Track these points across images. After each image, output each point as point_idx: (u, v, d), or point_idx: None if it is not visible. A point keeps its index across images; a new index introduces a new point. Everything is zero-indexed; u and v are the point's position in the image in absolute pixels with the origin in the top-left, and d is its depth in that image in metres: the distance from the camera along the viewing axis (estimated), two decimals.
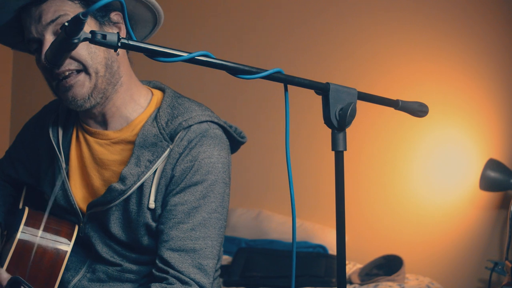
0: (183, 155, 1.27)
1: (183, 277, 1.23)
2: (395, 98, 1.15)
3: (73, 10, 1.21)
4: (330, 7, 3.19)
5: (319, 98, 1.03)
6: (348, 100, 1.02)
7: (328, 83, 1.01)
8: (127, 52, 1.35)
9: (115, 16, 1.28)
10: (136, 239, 1.32)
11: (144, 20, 1.35)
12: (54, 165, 1.38)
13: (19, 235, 1.28)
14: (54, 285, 1.29)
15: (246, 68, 0.96)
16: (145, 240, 1.31)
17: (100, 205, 1.31)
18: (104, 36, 0.86)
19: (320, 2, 3.23)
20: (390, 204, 3.01)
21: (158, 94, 1.39)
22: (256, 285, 2.58)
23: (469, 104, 2.86)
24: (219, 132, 1.33)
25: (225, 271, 2.65)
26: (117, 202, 1.29)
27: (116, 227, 1.32)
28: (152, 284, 1.24)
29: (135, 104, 1.35)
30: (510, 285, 1.58)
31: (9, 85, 4.07)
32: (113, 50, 1.15)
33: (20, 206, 1.49)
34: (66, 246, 1.32)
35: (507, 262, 1.63)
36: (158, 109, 1.33)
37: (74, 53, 1.19)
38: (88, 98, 1.25)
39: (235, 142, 1.42)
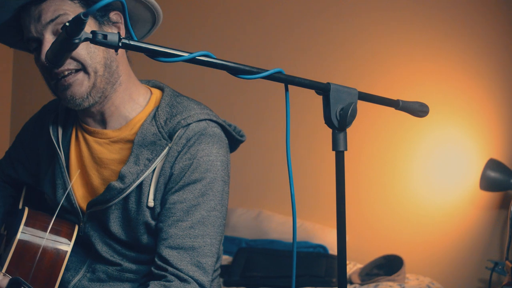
0: (181, 153, 1.27)
1: (182, 274, 1.23)
2: (395, 98, 1.15)
3: (73, 9, 1.20)
4: (330, 7, 3.19)
5: (319, 98, 1.03)
6: (349, 100, 1.02)
7: (328, 83, 1.01)
8: (126, 52, 1.35)
9: (114, 15, 1.28)
10: (135, 238, 1.32)
11: (143, 20, 1.35)
12: (54, 165, 1.38)
13: (19, 235, 1.28)
14: (54, 285, 1.29)
15: (247, 68, 0.96)
16: (145, 238, 1.31)
17: (100, 204, 1.31)
18: (105, 36, 0.85)
19: (320, 2, 3.22)
20: (390, 204, 3.01)
21: (157, 93, 1.39)
22: (256, 285, 2.57)
23: (469, 104, 2.86)
24: (217, 130, 1.33)
25: (225, 271, 2.65)
26: (116, 200, 1.29)
27: (115, 226, 1.32)
28: (151, 282, 1.24)
29: (134, 103, 1.35)
30: (510, 285, 1.58)
31: (9, 85, 4.07)
32: (112, 50, 1.15)
33: (20, 206, 1.49)
34: (66, 246, 1.32)
35: (507, 262, 1.64)
36: (157, 108, 1.33)
37: (74, 52, 1.19)
38: (87, 97, 1.25)
39: (234, 140, 1.42)
